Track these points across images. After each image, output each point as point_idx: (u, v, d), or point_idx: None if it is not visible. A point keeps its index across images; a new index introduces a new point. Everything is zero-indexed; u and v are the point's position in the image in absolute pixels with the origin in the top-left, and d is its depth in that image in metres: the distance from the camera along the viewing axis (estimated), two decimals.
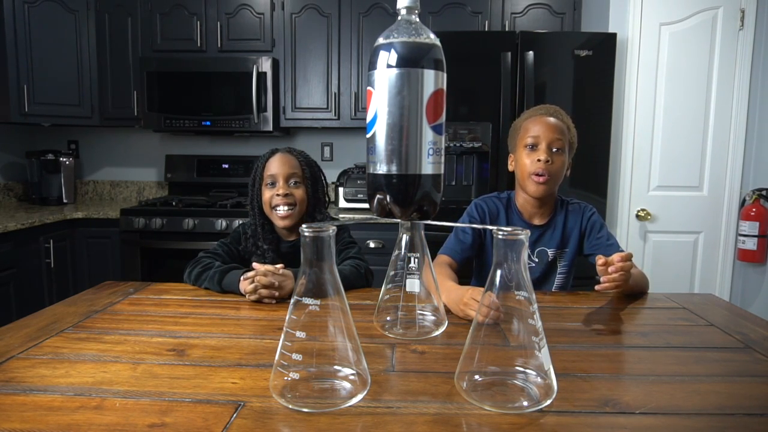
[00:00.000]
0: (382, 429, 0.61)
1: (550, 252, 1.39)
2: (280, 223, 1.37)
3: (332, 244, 0.67)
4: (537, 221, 1.40)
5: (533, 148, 1.31)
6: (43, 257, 2.49)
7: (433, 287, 0.93)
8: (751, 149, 2.45)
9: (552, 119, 1.32)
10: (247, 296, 1.12)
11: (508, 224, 1.41)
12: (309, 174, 1.40)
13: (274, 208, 1.36)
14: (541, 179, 1.29)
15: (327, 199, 1.47)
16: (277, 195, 1.35)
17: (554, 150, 1.30)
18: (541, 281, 1.40)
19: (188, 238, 2.65)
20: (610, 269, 1.05)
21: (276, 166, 1.37)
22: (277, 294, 1.11)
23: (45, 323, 0.97)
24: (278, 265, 1.13)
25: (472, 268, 1.55)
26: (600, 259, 1.07)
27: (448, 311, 1.05)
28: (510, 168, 1.42)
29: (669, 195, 2.53)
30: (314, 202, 1.41)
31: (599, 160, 2.42)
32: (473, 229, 1.40)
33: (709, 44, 2.44)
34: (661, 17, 2.45)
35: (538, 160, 1.29)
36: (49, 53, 2.79)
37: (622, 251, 1.32)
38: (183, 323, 0.99)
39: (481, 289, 0.92)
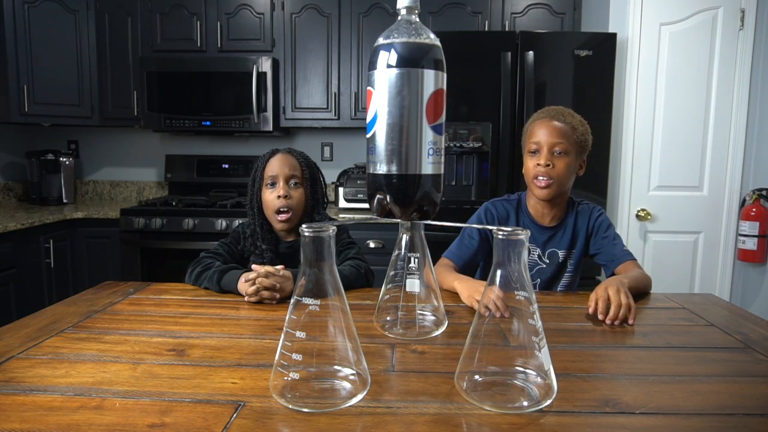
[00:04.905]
0: (382, 429, 0.61)
1: (561, 253, 1.39)
2: (279, 225, 1.37)
3: (332, 244, 0.67)
4: (548, 222, 1.39)
5: (535, 152, 1.32)
6: (43, 257, 2.49)
7: (433, 287, 0.93)
8: (751, 149, 2.45)
9: (555, 122, 1.31)
10: (246, 297, 1.12)
11: (518, 226, 1.41)
12: (309, 175, 1.40)
13: (274, 208, 1.36)
14: (543, 182, 1.30)
15: (326, 200, 1.48)
16: (278, 196, 1.35)
17: (556, 153, 1.30)
18: (551, 282, 1.40)
19: (188, 238, 2.65)
20: (607, 321, 1.02)
21: (277, 167, 1.37)
22: (277, 296, 1.11)
23: (45, 323, 0.97)
24: (279, 267, 1.13)
25: (474, 274, 1.55)
26: (590, 308, 1.04)
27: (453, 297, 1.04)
28: (524, 170, 1.42)
29: (669, 195, 2.53)
30: (313, 203, 1.41)
31: (599, 160, 2.41)
32: (480, 234, 1.39)
33: (709, 44, 2.44)
34: (661, 17, 2.45)
35: (538, 165, 1.30)
36: (49, 53, 2.78)
37: (627, 251, 1.32)
38: (183, 323, 0.99)
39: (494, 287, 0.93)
